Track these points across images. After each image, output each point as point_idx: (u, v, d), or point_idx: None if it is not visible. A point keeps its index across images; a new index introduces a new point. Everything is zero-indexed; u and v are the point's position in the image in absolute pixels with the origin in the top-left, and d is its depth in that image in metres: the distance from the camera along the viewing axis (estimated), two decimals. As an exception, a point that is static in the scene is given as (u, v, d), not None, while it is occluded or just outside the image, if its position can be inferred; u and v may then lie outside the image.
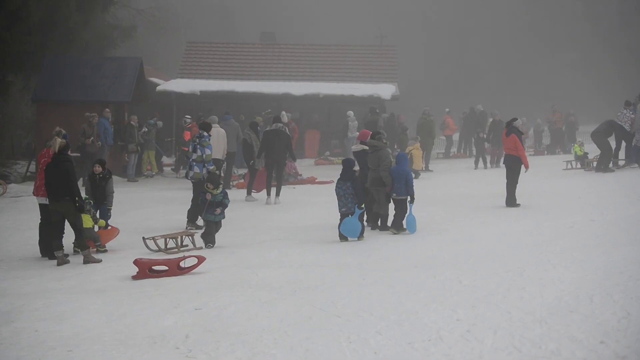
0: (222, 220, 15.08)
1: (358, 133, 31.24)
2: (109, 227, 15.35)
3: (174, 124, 34.17)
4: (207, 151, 17.32)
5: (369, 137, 16.28)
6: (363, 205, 14.79)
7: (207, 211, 14.77)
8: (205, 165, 17.22)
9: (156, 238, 14.41)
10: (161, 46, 56.06)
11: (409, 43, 58.15)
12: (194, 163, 17.29)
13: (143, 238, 14.52)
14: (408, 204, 15.38)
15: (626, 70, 59.33)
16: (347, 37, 55.91)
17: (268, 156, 20.66)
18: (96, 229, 14.92)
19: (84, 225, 14.37)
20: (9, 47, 30.22)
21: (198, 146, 17.33)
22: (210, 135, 17.80)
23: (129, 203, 20.98)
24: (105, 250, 14.56)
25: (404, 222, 15.31)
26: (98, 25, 37.47)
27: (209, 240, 14.75)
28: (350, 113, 32.40)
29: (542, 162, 29.42)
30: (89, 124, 25.56)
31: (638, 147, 23.91)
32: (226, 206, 14.97)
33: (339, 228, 14.96)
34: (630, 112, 25.02)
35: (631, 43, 61.64)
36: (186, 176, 18.05)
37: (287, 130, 21.15)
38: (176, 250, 14.31)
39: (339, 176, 15.15)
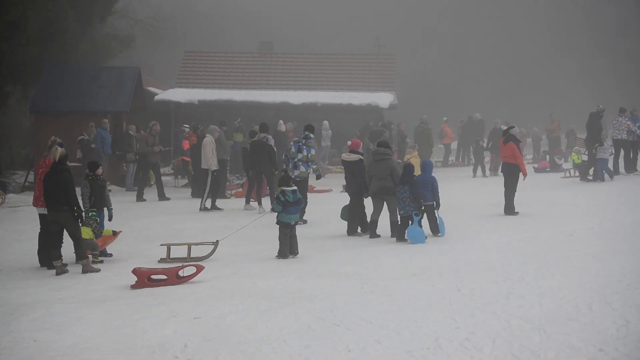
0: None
1: (330, 143, 31.60)
2: (116, 233, 15.28)
3: (172, 134, 34.16)
4: (312, 151, 18.66)
5: (377, 146, 16.47)
6: (423, 208, 15.22)
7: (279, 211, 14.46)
8: (310, 164, 18.52)
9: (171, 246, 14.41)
10: (159, 56, 56.11)
11: (407, 52, 58.21)
12: (300, 163, 18.45)
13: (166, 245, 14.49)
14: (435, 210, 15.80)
15: (625, 78, 59.36)
16: (346, 46, 55.95)
17: (253, 167, 20.72)
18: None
19: (85, 237, 14.40)
20: (7, 58, 30.28)
21: (304, 147, 18.53)
22: (313, 137, 18.83)
23: (128, 212, 20.96)
24: (102, 261, 14.50)
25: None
26: (96, 35, 37.49)
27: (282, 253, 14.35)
28: (325, 123, 32.66)
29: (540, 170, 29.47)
30: (151, 132, 25.55)
31: (603, 160, 23.49)
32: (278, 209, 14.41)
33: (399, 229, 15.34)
34: (626, 119, 25.04)
35: (630, 50, 61.68)
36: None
37: (270, 141, 20.99)
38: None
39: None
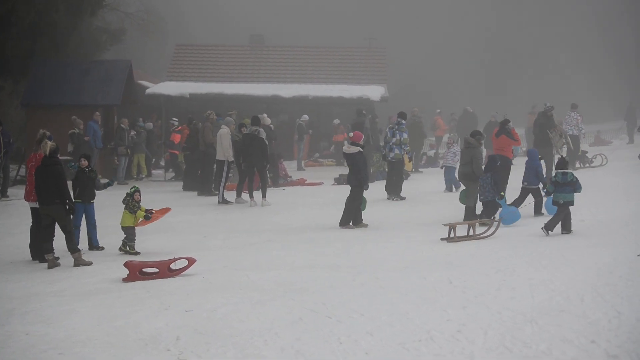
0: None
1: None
2: (152, 213, 15.12)
3: (163, 127, 34.08)
4: (404, 135, 20.86)
5: (469, 135, 17.30)
6: (503, 193, 16.11)
7: None
8: (403, 146, 20.70)
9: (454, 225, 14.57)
10: (150, 49, 55.87)
11: (399, 45, 58.13)
12: (394, 146, 20.75)
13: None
14: (541, 191, 16.96)
15: (622, 70, 59.35)
16: (337, 38, 55.83)
17: (245, 160, 20.69)
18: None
19: (125, 224, 14.49)
20: (-2, 52, 30.18)
21: (397, 132, 20.76)
22: (405, 123, 21.29)
23: (120, 206, 20.87)
24: (138, 253, 14.44)
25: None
26: (87, 29, 37.34)
27: None
28: (306, 117, 32.74)
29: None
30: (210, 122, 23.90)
31: (451, 168, 22.63)
32: None
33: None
34: (577, 115, 25.53)
35: (622, 42, 61.64)
36: (384, 158, 21.34)
37: (262, 134, 20.99)
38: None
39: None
